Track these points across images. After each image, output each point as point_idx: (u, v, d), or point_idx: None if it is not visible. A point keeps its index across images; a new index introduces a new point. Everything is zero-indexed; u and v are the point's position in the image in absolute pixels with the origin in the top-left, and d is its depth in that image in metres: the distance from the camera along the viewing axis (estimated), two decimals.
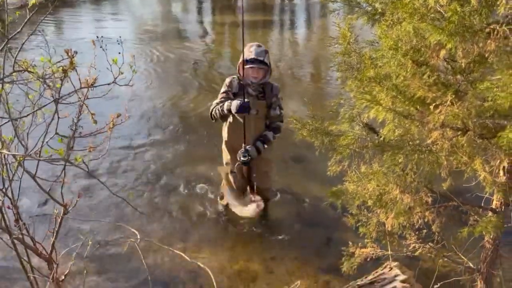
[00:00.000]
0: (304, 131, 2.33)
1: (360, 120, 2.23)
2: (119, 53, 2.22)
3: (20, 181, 2.44)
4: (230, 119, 3.73)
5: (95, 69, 2.82)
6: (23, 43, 2.43)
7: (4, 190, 2.38)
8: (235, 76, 3.74)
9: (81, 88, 2.35)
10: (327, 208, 3.92)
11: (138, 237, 2.49)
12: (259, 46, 3.61)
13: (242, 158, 3.62)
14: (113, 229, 3.89)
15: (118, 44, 2.63)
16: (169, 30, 11.94)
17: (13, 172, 2.42)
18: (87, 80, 2.66)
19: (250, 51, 3.53)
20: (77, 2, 15.50)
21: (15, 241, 2.47)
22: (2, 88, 2.34)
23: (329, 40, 2.56)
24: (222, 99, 3.67)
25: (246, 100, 3.44)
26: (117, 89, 2.48)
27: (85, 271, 3.10)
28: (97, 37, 2.33)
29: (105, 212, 4.22)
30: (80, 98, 2.52)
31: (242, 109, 3.43)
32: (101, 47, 2.28)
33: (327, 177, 2.54)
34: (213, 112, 3.69)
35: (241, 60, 3.57)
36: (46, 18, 9.18)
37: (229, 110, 3.53)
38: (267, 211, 4.11)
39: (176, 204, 4.39)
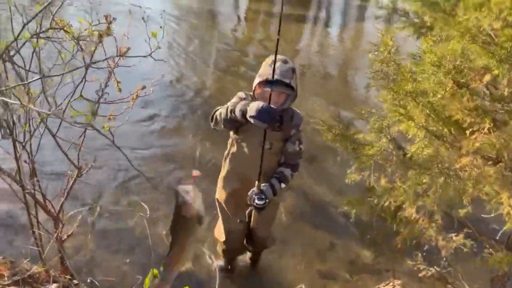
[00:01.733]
0: (329, 134, 2.28)
1: (389, 133, 2.17)
2: (160, 27, 2.18)
3: (40, 137, 2.46)
4: (234, 147, 2.76)
5: (128, 38, 2.82)
6: (63, 2, 2.42)
7: (23, 143, 2.40)
8: (249, 94, 2.70)
9: (118, 56, 2.34)
10: (335, 213, 3.88)
11: (148, 212, 2.49)
12: (285, 62, 2.55)
13: (257, 202, 2.57)
14: (122, 200, 3.91)
15: (161, 17, 2.59)
16: (204, 10, 11.90)
17: (35, 128, 2.43)
18: (120, 48, 2.68)
19: (271, 68, 2.44)
20: None
21: (27, 195, 2.50)
22: (37, 42, 2.35)
23: (368, 46, 2.51)
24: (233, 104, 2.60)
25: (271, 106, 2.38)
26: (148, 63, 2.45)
27: (89, 236, 3.13)
28: (140, 7, 2.31)
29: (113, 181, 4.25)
30: (109, 65, 2.53)
31: (264, 115, 2.34)
32: (142, 18, 2.25)
33: (340, 183, 2.50)
34: (217, 113, 2.65)
35: (258, 80, 2.57)
36: None
37: (243, 114, 2.43)
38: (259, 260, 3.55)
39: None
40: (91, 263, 3.21)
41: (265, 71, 2.53)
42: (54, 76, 2.31)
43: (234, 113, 2.48)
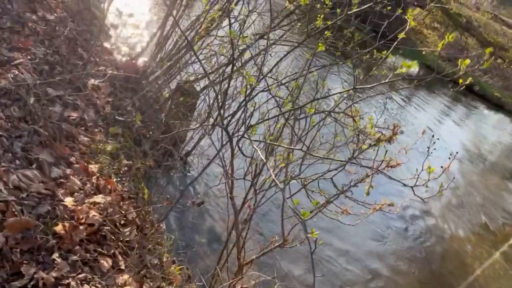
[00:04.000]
0: None
1: None
2: (441, 167, 1.95)
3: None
4: None
5: (405, 152, 2.69)
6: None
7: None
8: None
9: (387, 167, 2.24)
10: None
11: None
12: None
13: None
14: None
15: (449, 157, 2.33)
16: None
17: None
18: (390, 159, 2.57)
19: None
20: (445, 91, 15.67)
21: None
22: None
23: None
24: None
25: None
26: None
27: None
28: (433, 136, 2.16)
29: None
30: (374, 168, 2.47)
31: None
32: (428, 147, 2.09)
33: None
34: None
35: None
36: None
37: None
38: None
39: None
40: None
41: None
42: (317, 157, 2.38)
43: None
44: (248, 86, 1.99)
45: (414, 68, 1.71)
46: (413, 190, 2.01)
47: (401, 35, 2.56)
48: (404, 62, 1.70)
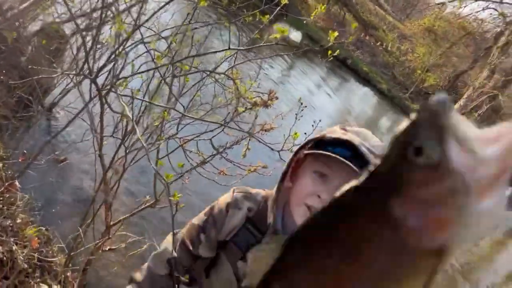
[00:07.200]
0: None
1: None
2: (305, 133, 2.06)
3: None
4: None
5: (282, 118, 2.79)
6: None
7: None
8: (240, 194, 1.29)
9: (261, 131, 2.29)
10: None
11: None
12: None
13: None
14: None
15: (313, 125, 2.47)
16: None
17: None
18: (265, 123, 2.65)
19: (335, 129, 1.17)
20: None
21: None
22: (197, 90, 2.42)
23: None
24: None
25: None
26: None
27: None
28: (301, 103, 2.26)
29: None
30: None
31: None
32: (296, 114, 2.18)
33: None
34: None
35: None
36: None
37: None
38: None
39: None
40: None
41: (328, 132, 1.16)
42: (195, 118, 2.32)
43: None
44: (121, 36, 1.80)
45: (286, 34, 1.72)
46: (279, 154, 2.10)
47: (284, 1, 2.55)
48: (279, 27, 1.70)
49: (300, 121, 2.48)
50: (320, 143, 1.07)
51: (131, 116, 1.64)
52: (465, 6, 22.20)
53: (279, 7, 2.50)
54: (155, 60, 1.83)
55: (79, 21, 2.53)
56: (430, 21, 24.05)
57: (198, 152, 2.84)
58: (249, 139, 2.62)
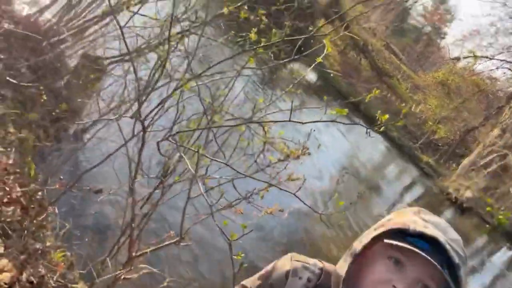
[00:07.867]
0: None
1: None
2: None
3: None
4: None
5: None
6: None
7: None
8: (300, 263, 1.24)
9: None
10: None
11: None
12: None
13: None
14: None
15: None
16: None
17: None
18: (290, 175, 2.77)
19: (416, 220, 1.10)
20: None
21: None
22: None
23: None
24: None
25: None
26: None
27: None
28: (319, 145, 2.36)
29: None
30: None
31: None
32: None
33: None
34: None
35: (380, 230, 1.12)
36: None
37: None
38: None
39: None
40: None
41: (400, 218, 1.13)
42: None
43: None
44: (179, 89, 1.95)
45: (345, 113, 1.82)
46: (298, 197, 2.17)
47: (319, 60, 2.66)
48: (337, 108, 1.80)
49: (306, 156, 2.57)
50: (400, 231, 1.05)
51: (193, 171, 1.76)
52: (479, 64, 22.64)
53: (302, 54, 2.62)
54: (206, 112, 1.97)
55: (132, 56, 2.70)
56: (445, 75, 24.49)
57: (224, 197, 2.94)
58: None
